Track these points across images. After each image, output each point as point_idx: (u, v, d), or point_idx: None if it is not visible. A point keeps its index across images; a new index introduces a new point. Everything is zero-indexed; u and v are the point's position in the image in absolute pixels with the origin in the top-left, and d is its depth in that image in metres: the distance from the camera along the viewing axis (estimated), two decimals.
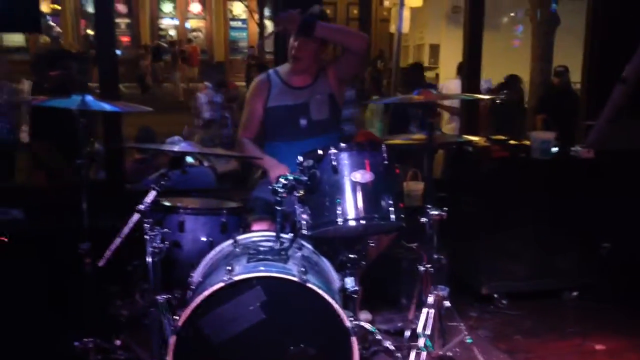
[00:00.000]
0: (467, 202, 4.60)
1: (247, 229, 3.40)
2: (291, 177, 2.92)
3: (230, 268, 2.64)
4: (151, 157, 5.64)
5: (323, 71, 3.87)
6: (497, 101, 8.36)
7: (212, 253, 3.12)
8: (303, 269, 2.65)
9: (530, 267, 4.59)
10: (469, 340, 3.39)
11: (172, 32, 28.13)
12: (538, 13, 11.61)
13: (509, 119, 8.29)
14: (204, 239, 3.35)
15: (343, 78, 3.91)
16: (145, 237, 3.04)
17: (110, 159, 4.99)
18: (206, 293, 2.61)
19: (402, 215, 3.04)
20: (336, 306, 2.66)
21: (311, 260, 3.03)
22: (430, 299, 3.33)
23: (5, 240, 4.08)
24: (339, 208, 2.94)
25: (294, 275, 2.63)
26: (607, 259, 4.53)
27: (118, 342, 3.29)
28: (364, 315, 3.74)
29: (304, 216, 2.99)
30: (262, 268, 2.72)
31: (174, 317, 2.87)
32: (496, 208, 4.52)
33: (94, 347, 3.22)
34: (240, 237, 3.12)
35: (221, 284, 2.60)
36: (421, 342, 3.24)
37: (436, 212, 3.30)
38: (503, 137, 5.12)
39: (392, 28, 11.66)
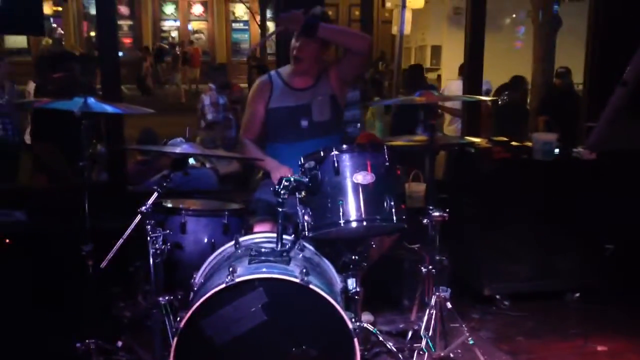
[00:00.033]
0: (469, 204, 4.60)
1: (249, 230, 3.41)
2: (293, 179, 2.93)
3: (232, 269, 2.64)
4: (153, 158, 5.65)
5: (325, 72, 3.86)
6: (499, 102, 8.35)
7: (214, 254, 3.13)
8: (305, 271, 2.65)
9: (532, 268, 4.59)
10: (470, 342, 3.39)
11: (174, 34, 28.17)
12: (540, 14, 11.60)
13: (513, 121, 8.29)
14: (205, 240, 3.36)
15: (345, 79, 3.90)
16: (147, 238, 3.04)
17: (113, 161, 4.99)
18: (208, 294, 2.61)
19: (404, 217, 3.04)
20: (338, 307, 2.66)
21: (313, 261, 3.04)
22: (432, 300, 3.34)
23: (7, 241, 4.09)
24: (341, 209, 2.94)
25: (295, 277, 2.63)
26: (609, 260, 4.53)
27: (120, 344, 3.30)
28: (366, 316, 3.74)
29: (306, 218, 2.99)
30: (264, 269, 2.72)
31: (176, 318, 2.87)
32: (498, 209, 4.52)
33: (95, 349, 3.23)
34: (242, 239, 3.13)
35: (223, 286, 2.60)
36: (423, 343, 3.24)
37: (438, 214, 3.31)
38: (505, 139, 5.12)
39: (394, 29, 11.65)
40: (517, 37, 16.47)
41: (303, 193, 2.98)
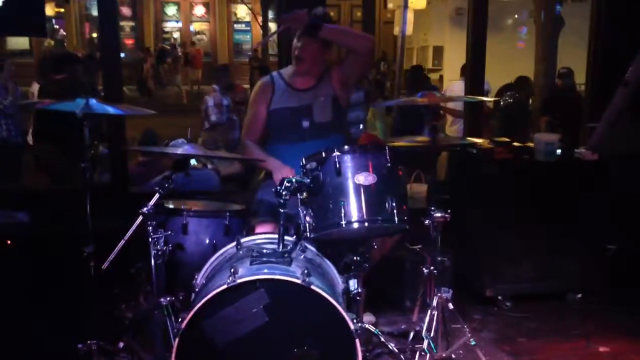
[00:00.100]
0: (471, 204, 4.60)
1: (250, 231, 3.41)
2: (294, 180, 2.93)
3: (233, 270, 2.64)
4: (155, 160, 5.65)
5: (327, 73, 3.86)
6: (501, 103, 8.35)
7: (216, 255, 3.12)
8: (306, 272, 2.65)
9: (534, 269, 4.58)
10: (472, 343, 3.39)
11: (176, 35, 28.20)
12: (542, 15, 11.60)
13: (518, 121, 8.29)
14: (207, 241, 3.36)
15: (347, 80, 3.90)
16: (149, 239, 3.05)
17: (114, 162, 5.00)
18: (209, 295, 2.61)
19: (406, 218, 3.03)
20: (340, 308, 2.65)
21: (315, 262, 3.03)
22: (434, 301, 3.33)
23: (9, 242, 4.09)
24: (343, 210, 2.94)
25: (297, 278, 2.63)
26: (611, 261, 4.53)
27: (121, 345, 3.30)
28: (368, 317, 3.74)
29: (308, 218, 2.98)
30: (265, 270, 2.72)
31: (178, 319, 2.87)
32: (500, 210, 4.51)
33: (97, 350, 3.23)
34: (243, 240, 3.12)
35: (224, 286, 2.60)
36: (425, 344, 3.24)
37: (440, 214, 3.31)
38: (507, 139, 5.11)
39: (396, 30, 11.65)
40: (520, 37, 16.49)
41: (305, 194, 2.97)
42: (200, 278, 3.03)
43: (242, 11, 28.02)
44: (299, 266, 2.77)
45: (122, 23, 25.09)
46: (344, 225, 2.93)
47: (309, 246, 3.10)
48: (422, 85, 8.44)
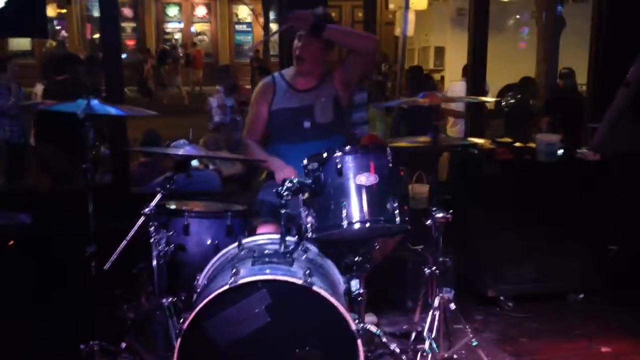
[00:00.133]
0: (473, 205, 4.59)
1: (252, 231, 3.40)
2: (296, 180, 2.93)
3: (235, 271, 2.65)
4: (156, 160, 5.65)
5: (329, 74, 3.86)
6: (503, 104, 8.34)
7: (217, 256, 3.12)
8: (308, 272, 2.65)
9: (536, 270, 4.58)
10: (474, 343, 3.39)
11: (178, 36, 28.22)
12: (544, 15, 11.61)
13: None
14: (209, 242, 3.36)
15: (349, 81, 3.90)
16: (151, 240, 3.05)
17: (116, 163, 5.00)
18: (211, 296, 2.60)
19: (407, 218, 3.03)
20: (341, 309, 2.65)
21: (316, 263, 3.03)
22: (436, 302, 3.33)
23: (11, 243, 4.10)
24: (344, 211, 2.94)
25: (299, 278, 2.63)
26: (613, 261, 4.52)
27: (123, 345, 3.29)
28: (370, 317, 3.74)
29: (309, 219, 2.98)
30: (267, 271, 2.72)
31: (180, 320, 2.88)
32: (501, 210, 4.51)
33: (99, 350, 3.23)
34: (245, 240, 3.12)
35: (226, 287, 2.60)
36: (427, 344, 3.24)
37: (441, 215, 3.31)
38: (508, 140, 5.11)
39: (397, 31, 11.63)
40: (521, 38, 16.49)
41: (306, 194, 2.97)
42: (202, 279, 3.03)
43: (243, 12, 28.06)
44: (301, 267, 2.77)
45: (123, 24, 25.12)
46: (345, 226, 2.93)
47: (310, 247, 3.09)
48: (422, 85, 8.44)
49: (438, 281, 3.39)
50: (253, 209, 3.63)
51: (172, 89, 21.68)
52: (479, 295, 4.57)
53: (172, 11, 28.67)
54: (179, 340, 2.63)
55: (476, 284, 4.61)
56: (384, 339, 3.27)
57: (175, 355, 2.63)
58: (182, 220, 3.34)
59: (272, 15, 22.28)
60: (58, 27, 24.45)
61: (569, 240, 4.53)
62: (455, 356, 3.42)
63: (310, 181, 2.96)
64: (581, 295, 4.60)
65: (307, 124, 3.76)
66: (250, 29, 28.40)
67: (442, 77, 16.25)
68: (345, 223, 2.93)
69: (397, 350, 3.26)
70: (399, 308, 4.33)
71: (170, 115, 11.79)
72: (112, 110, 3.43)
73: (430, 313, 3.33)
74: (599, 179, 4.61)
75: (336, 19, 22.89)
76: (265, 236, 3.22)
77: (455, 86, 8.74)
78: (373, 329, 3.25)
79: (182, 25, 28.60)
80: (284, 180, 2.92)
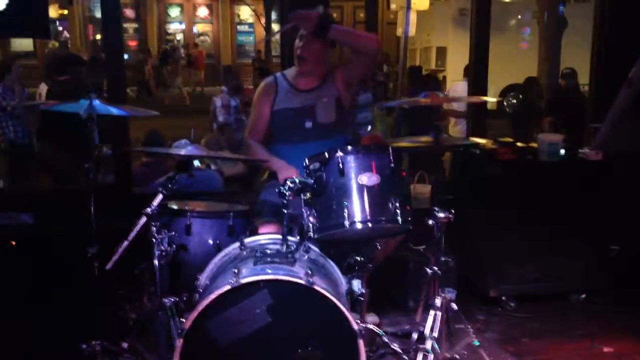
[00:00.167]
0: (475, 205, 4.59)
1: (254, 232, 3.41)
2: (298, 180, 2.93)
3: (237, 271, 2.65)
4: (158, 160, 5.65)
5: (331, 74, 3.86)
6: (504, 103, 8.36)
7: (219, 256, 3.12)
8: (310, 272, 2.65)
9: (538, 270, 4.58)
10: (476, 343, 3.39)
11: (180, 37, 28.21)
12: (545, 15, 11.60)
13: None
14: (210, 242, 3.36)
15: (352, 81, 3.90)
16: (153, 240, 3.05)
17: (118, 163, 5.00)
18: (213, 296, 2.61)
19: (409, 218, 3.03)
20: (343, 309, 2.65)
21: (318, 263, 3.03)
22: (438, 302, 3.33)
23: (13, 243, 4.10)
24: (346, 211, 2.94)
25: (300, 278, 2.63)
26: (615, 261, 4.52)
27: (125, 345, 3.29)
28: (371, 317, 3.74)
29: (311, 219, 2.98)
30: (269, 271, 2.72)
31: (181, 320, 2.88)
32: (503, 210, 4.51)
33: (101, 350, 3.23)
34: (247, 240, 3.12)
35: (228, 287, 2.60)
36: (428, 344, 3.23)
37: (443, 215, 3.30)
38: (510, 140, 5.11)
39: (399, 31, 11.64)
40: (523, 38, 16.47)
41: (308, 194, 2.97)
42: (203, 278, 3.03)
43: (245, 12, 28.03)
44: (303, 267, 2.77)
45: (125, 25, 25.12)
46: (347, 226, 2.93)
47: (312, 247, 3.09)
48: (422, 85, 8.46)
49: (440, 281, 3.38)
50: (255, 209, 3.63)
51: (173, 90, 21.70)
52: (481, 295, 4.57)
53: (174, 12, 28.66)
54: (180, 340, 2.63)
55: (478, 284, 4.61)
56: (386, 339, 3.28)
57: (177, 355, 2.63)
58: (184, 220, 3.35)
59: (273, 16, 22.28)
60: (60, 28, 24.46)
61: (571, 240, 4.53)
62: (457, 356, 3.41)
63: (312, 181, 2.96)
64: (583, 295, 4.60)
65: (308, 124, 3.76)
66: (252, 30, 28.40)
67: (444, 77, 16.24)
68: (347, 223, 2.92)
69: (399, 350, 3.26)
70: (400, 308, 4.33)
71: (171, 115, 11.80)
72: (114, 111, 3.44)
73: (432, 313, 3.32)
74: (601, 178, 4.61)
75: (338, 19, 22.93)
76: (267, 236, 3.22)
77: (457, 86, 8.74)
78: (375, 329, 3.26)
79: (184, 26, 28.59)
80: (285, 180, 2.93)
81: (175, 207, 3.48)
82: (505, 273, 4.55)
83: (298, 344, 2.67)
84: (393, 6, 12.49)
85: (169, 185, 3.15)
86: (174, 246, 3.14)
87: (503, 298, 4.55)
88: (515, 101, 12.47)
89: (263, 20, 23.68)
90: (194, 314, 2.62)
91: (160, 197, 3.10)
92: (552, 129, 7.58)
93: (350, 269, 3.16)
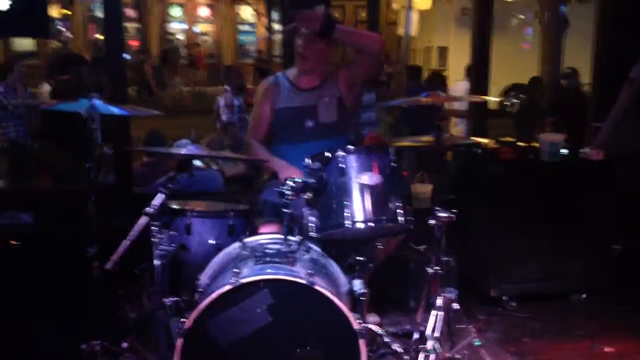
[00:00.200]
0: (476, 204, 4.58)
1: (254, 231, 3.40)
2: (299, 180, 2.92)
3: (237, 271, 2.64)
4: (159, 160, 5.65)
5: (333, 74, 3.86)
6: (507, 103, 8.35)
7: (220, 256, 3.12)
8: (311, 272, 2.65)
9: (539, 270, 4.57)
10: (477, 343, 3.38)
11: (181, 37, 28.21)
12: (547, 15, 11.59)
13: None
14: (211, 241, 3.35)
15: (354, 81, 3.89)
16: (153, 240, 3.05)
17: (119, 163, 5.00)
18: (213, 296, 2.61)
19: (410, 218, 3.03)
20: (344, 309, 2.65)
21: (319, 262, 3.03)
22: (439, 302, 3.32)
23: (13, 243, 4.10)
24: (347, 210, 2.94)
25: (301, 278, 2.63)
26: (616, 261, 4.51)
27: (125, 345, 3.29)
28: (372, 317, 3.73)
29: (312, 219, 2.98)
30: (269, 270, 2.72)
31: (181, 319, 2.87)
32: (505, 210, 4.50)
33: (101, 350, 3.22)
34: (247, 240, 3.12)
35: (228, 287, 2.60)
36: (429, 344, 3.23)
37: (444, 214, 3.30)
38: (512, 139, 5.10)
39: (400, 31, 11.66)
40: (524, 38, 16.46)
41: (309, 194, 2.97)
42: (204, 278, 3.03)
43: (246, 12, 28.03)
44: (303, 266, 2.77)
45: (126, 24, 25.11)
46: (348, 226, 2.93)
47: (313, 246, 3.09)
48: (421, 84, 8.47)
49: (441, 281, 3.38)
50: (256, 208, 3.62)
51: (173, 90, 21.67)
52: (482, 295, 4.57)
53: (175, 12, 28.65)
54: (180, 340, 2.63)
55: (479, 284, 4.60)
56: (387, 339, 3.27)
57: (177, 355, 2.63)
58: (185, 220, 3.34)
59: (275, 16, 22.25)
60: (61, 28, 24.45)
61: (572, 239, 4.52)
62: (457, 356, 3.40)
63: (313, 181, 2.96)
64: (584, 295, 4.59)
65: (309, 124, 3.76)
66: (253, 30, 28.40)
67: (446, 77, 16.23)
68: (348, 223, 2.93)
69: (400, 350, 3.26)
70: (401, 308, 4.32)
71: (171, 115, 11.78)
72: (114, 110, 3.43)
73: (433, 313, 3.32)
74: (603, 178, 4.61)
75: (339, 18, 22.90)
76: (268, 236, 3.21)
77: (458, 86, 8.74)
78: (375, 328, 3.26)
79: (185, 26, 28.59)
80: (286, 180, 2.92)
81: (175, 206, 3.47)
82: (507, 273, 4.55)
83: (299, 343, 2.67)
84: (395, 6, 12.50)
85: (170, 185, 3.15)
86: (174, 246, 3.14)
87: (504, 298, 4.55)
88: (517, 101, 12.47)
89: (264, 20, 23.69)
90: (195, 313, 2.62)
91: (161, 196, 3.10)
92: (553, 129, 7.58)
93: (351, 268, 3.15)
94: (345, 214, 2.93)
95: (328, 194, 2.97)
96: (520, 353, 3.91)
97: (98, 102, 3.26)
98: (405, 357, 3.25)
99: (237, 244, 3.09)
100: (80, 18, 24.82)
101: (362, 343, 2.66)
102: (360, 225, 2.95)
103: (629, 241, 4.51)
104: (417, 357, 3.25)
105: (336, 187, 2.97)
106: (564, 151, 4.67)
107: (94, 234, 3.26)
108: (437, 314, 3.30)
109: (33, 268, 4.03)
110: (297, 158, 3.39)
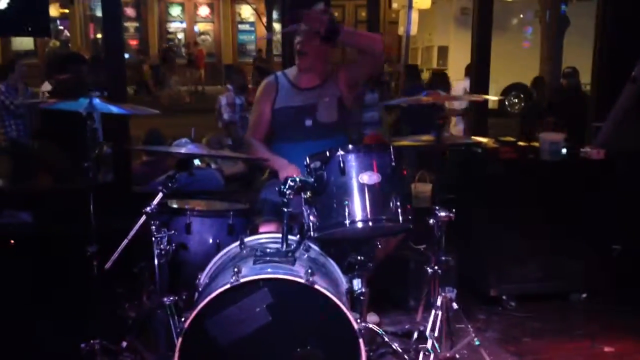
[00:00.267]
0: (476, 204, 4.58)
1: (254, 230, 3.40)
2: (298, 179, 2.92)
3: (237, 270, 2.64)
4: (159, 159, 5.65)
5: (334, 74, 3.86)
6: (506, 103, 8.35)
7: (219, 255, 3.12)
8: (310, 271, 2.64)
9: (539, 269, 4.56)
10: (477, 342, 3.38)
11: (181, 36, 28.22)
12: (547, 14, 11.60)
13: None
14: (210, 240, 3.35)
15: (355, 81, 3.90)
16: (152, 239, 3.04)
17: (118, 161, 5.00)
18: (213, 295, 2.60)
19: (410, 217, 3.02)
20: (343, 308, 2.64)
21: (318, 262, 3.02)
22: (438, 301, 3.32)
23: (12, 242, 4.10)
24: (347, 210, 2.93)
25: (300, 277, 2.62)
26: (616, 260, 4.51)
27: (124, 344, 3.29)
28: (372, 317, 3.73)
29: (311, 218, 2.97)
30: (269, 270, 2.71)
31: (181, 318, 2.87)
32: (505, 210, 4.50)
33: (100, 349, 3.22)
34: (247, 239, 3.11)
35: (228, 286, 2.59)
36: (429, 344, 3.23)
37: (444, 214, 3.29)
38: (512, 139, 5.10)
39: (401, 30, 11.65)
40: (525, 37, 16.46)
41: (308, 193, 2.96)
42: (203, 277, 3.02)
43: (246, 11, 28.04)
44: (303, 265, 2.76)
45: (126, 24, 25.11)
46: (348, 225, 2.92)
47: (312, 245, 3.09)
48: (420, 84, 8.48)
49: (440, 280, 3.38)
50: (255, 207, 3.62)
51: (171, 89, 21.68)
52: (482, 295, 4.56)
53: (175, 11, 28.66)
54: (180, 339, 2.62)
55: (479, 283, 4.60)
56: (386, 338, 3.27)
57: (177, 354, 2.62)
58: (184, 219, 3.34)
59: (275, 15, 22.27)
60: (61, 27, 24.46)
61: (572, 239, 4.51)
62: (457, 356, 3.40)
63: (312, 180, 2.95)
64: (584, 295, 4.59)
65: (309, 123, 3.75)
66: (253, 29, 28.40)
67: (449, 77, 16.23)
68: (347, 222, 2.92)
69: (399, 349, 3.26)
70: (401, 307, 4.33)
71: (170, 114, 11.79)
72: (114, 109, 3.43)
73: (433, 312, 3.32)
74: (603, 178, 4.60)
75: (339, 18, 22.91)
76: (267, 235, 3.21)
77: (458, 85, 8.74)
78: (375, 328, 3.25)
79: (184, 25, 28.61)
80: (286, 179, 2.92)
81: (175, 205, 3.47)
82: (506, 272, 4.54)
83: (298, 343, 2.66)
84: (395, 5, 12.51)
85: (169, 184, 3.15)
86: (174, 245, 3.13)
87: (504, 297, 4.54)
88: (517, 100, 12.47)
89: (264, 19, 23.70)
90: (194, 312, 2.61)
91: (160, 195, 3.10)
92: (553, 128, 7.58)
93: (350, 268, 3.15)
94: (345, 213, 2.91)
95: (328, 193, 2.96)
96: (520, 353, 3.90)
97: (97, 101, 3.25)
98: (405, 356, 3.25)
99: (236, 243, 3.09)
100: (80, 17, 24.84)
101: (361, 342, 2.65)
102: (360, 225, 2.94)
103: (629, 241, 4.50)
104: (417, 356, 3.25)
105: (336, 186, 2.96)
106: (564, 150, 4.66)
107: (93, 233, 3.26)
108: (436, 314, 3.30)
109: (32, 267, 4.03)
110: (297, 157, 3.39)
